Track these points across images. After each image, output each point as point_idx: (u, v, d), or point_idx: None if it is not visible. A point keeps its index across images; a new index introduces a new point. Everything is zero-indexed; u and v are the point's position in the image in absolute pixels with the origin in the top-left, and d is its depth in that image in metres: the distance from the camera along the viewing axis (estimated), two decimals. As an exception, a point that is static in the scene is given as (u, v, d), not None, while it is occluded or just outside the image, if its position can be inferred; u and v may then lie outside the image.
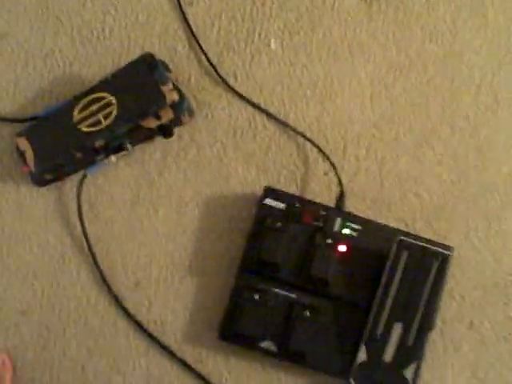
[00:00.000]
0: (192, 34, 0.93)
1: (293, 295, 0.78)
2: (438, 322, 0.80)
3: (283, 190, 0.82)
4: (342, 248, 0.79)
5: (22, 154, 0.85)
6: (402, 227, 0.83)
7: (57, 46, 0.93)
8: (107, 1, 0.96)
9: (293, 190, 0.86)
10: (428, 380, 0.79)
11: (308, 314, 0.77)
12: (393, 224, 0.83)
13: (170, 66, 0.90)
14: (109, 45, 0.93)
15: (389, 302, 0.76)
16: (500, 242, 0.83)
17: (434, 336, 0.79)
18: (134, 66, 0.86)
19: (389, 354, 0.75)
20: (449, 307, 0.81)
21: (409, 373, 0.75)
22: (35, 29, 0.94)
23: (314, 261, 0.78)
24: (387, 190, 0.86)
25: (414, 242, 0.77)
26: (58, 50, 0.93)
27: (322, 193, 0.86)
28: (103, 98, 0.85)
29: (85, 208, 0.85)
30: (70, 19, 0.94)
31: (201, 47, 0.92)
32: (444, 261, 0.76)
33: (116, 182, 0.86)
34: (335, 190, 0.85)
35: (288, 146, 0.88)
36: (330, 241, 0.79)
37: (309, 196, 0.85)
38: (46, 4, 0.95)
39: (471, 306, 0.81)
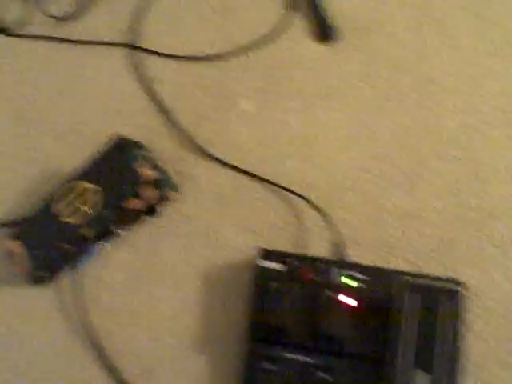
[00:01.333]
0: (163, 110, 0.93)
1: (305, 358, 0.75)
2: (470, 366, 0.76)
3: (278, 249, 0.80)
4: (347, 300, 0.76)
5: (13, 256, 0.84)
6: (409, 268, 0.80)
7: (35, 146, 0.94)
8: (77, 96, 0.96)
9: (289, 247, 0.83)
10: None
11: (324, 375, 0.74)
12: (400, 265, 0.81)
13: (147, 145, 0.90)
14: (85, 136, 0.93)
15: (402, 350, 0.72)
16: None
17: (468, 381, 0.75)
18: (106, 151, 0.86)
19: (414, 406, 0.71)
20: (478, 348, 0.76)
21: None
22: (13, 134, 0.94)
23: (320, 318, 0.75)
24: (387, 231, 0.83)
25: (417, 281, 0.74)
26: (37, 150, 0.93)
27: (319, 246, 0.83)
28: (82, 187, 0.84)
29: (84, 299, 0.83)
30: (44, 120, 0.95)
31: (173, 121, 0.92)
32: (454, 297, 0.72)
33: (111, 267, 0.85)
34: (332, 240, 0.82)
35: (276, 204, 0.86)
36: (333, 294, 0.76)
37: (308, 251, 0.83)
38: (20, 111, 0.96)
39: (502, 344, 0.76)
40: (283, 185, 0.86)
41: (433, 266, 0.80)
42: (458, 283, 0.74)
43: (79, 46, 0.99)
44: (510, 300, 0.78)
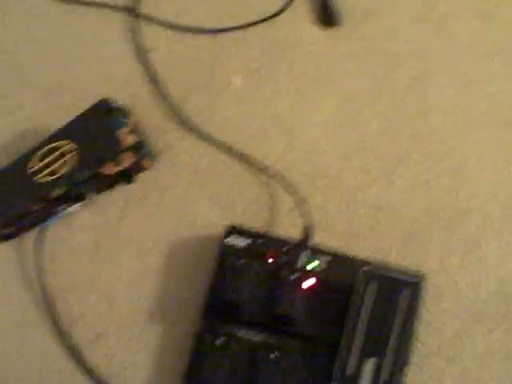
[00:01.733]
0: (154, 79, 0.92)
1: (258, 337, 0.74)
2: (417, 358, 0.75)
3: (246, 227, 0.79)
4: (308, 283, 0.75)
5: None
6: (376, 258, 0.79)
7: (20, 101, 0.93)
8: (69, 55, 0.96)
9: (259, 227, 0.82)
10: (411, 421, 0.74)
11: (275, 355, 0.73)
12: (366, 255, 0.79)
13: (132, 112, 0.89)
14: (72, 96, 0.93)
15: (358, 337, 0.71)
16: (477, 270, 0.78)
17: (413, 373, 0.74)
18: (89, 113, 0.85)
19: (362, 394, 0.70)
20: (426, 341, 0.76)
21: (385, 413, 0.70)
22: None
23: (278, 298, 0.74)
24: (358, 220, 0.82)
25: (380, 271, 0.73)
26: (21, 106, 0.93)
27: (290, 229, 0.82)
28: (60, 147, 0.84)
29: (46, 260, 0.83)
30: (32, 75, 0.95)
31: (162, 91, 0.91)
32: (414, 289, 0.72)
33: (77, 231, 0.84)
34: (303, 224, 0.81)
35: (254, 184, 0.85)
36: (294, 276, 0.75)
37: (277, 233, 0.81)
38: (8, 61, 0.95)
39: (450, 339, 0.76)
40: (264, 164, 0.85)
41: (399, 259, 0.79)
42: (419, 276, 0.73)
43: (76, 6, 0.98)
44: (465, 299, 0.77)
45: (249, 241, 0.78)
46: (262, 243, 0.78)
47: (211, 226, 0.83)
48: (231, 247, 0.78)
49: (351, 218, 0.82)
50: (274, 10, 0.96)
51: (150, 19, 0.97)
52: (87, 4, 0.98)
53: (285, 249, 0.77)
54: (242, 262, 0.76)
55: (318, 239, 0.80)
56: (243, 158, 0.86)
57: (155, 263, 0.82)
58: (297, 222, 0.82)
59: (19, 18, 0.99)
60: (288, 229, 0.82)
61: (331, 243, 0.80)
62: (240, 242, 0.78)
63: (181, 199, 0.85)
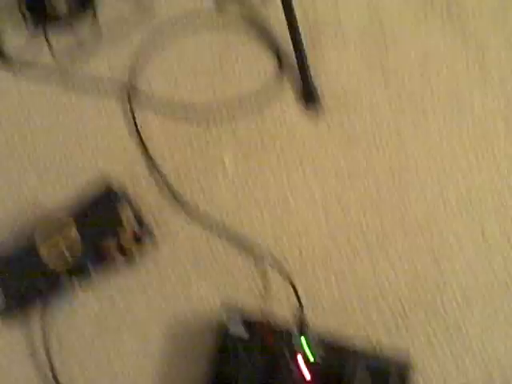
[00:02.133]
0: (152, 164, 0.98)
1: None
2: None
3: (246, 314, 0.83)
4: (306, 372, 0.79)
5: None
6: (363, 337, 0.85)
7: (22, 180, 0.98)
8: (69, 138, 1.01)
9: (256, 308, 0.87)
10: None
11: None
12: (353, 332, 0.85)
13: (132, 197, 0.94)
14: (72, 176, 0.98)
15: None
16: (461, 347, 0.84)
17: None
18: (95, 197, 0.92)
19: None
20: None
21: None
22: (2, 166, 0.99)
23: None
24: (346, 300, 0.88)
25: (370, 361, 0.78)
26: (24, 184, 0.98)
27: (283, 310, 0.87)
28: (66, 228, 0.88)
29: (51, 340, 0.87)
30: (34, 154, 1.00)
31: (160, 175, 0.97)
32: (403, 376, 0.77)
33: (81, 312, 0.89)
34: (295, 306, 0.86)
35: (248, 266, 0.91)
36: (292, 366, 0.79)
37: (271, 313, 0.86)
38: (12, 141, 1.00)
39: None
40: (256, 244, 0.91)
41: (385, 338, 0.85)
42: (407, 363, 0.78)
43: (77, 92, 1.04)
44: (448, 376, 0.83)
45: (247, 328, 0.81)
46: (261, 332, 0.81)
47: (209, 308, 0.88)
48: (231, 335, 0.81)
49: (339, 298, 0.88)
50: (261, 97, 1.02)
51: (145, 106, 1.03)
52: (86, 91, 1.04)
53: (284, 338, 0.81)
54: (243, 350, 0.80)
55: (309, 318, 0.85)
56: (239, 244, 0.92)
57: (157, 344, 0.86)
58: (289, 298, 0.88)
59: (18, 98, 1.04)
60: (282, 310, 0.87)
61: (321, 322, 0.86)
62: (238, 327, 0.82)
63: (180, 282, 0.90)
